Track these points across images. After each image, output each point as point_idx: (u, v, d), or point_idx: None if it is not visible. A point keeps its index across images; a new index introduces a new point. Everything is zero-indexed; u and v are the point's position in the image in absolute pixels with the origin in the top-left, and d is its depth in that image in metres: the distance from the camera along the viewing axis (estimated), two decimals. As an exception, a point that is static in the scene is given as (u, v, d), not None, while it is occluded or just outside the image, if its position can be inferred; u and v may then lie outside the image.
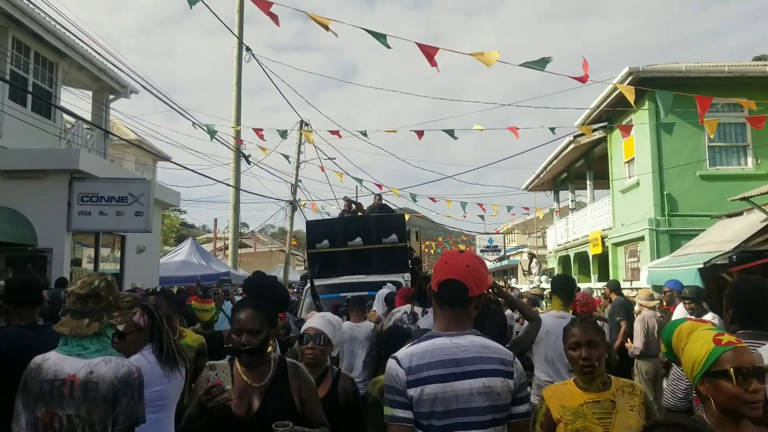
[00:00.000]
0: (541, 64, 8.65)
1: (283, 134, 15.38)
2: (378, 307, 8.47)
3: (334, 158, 28.78)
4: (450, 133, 13.63)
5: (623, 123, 17.54)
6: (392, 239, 12.26)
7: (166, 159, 26.43)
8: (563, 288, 5.32)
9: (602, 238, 19.10)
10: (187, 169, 21.55)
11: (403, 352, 2.34)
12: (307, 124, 29.43)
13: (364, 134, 15.16)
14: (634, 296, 10.78)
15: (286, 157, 18.35)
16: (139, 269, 14.35)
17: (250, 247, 36.23)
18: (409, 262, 13.75)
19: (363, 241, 12.28)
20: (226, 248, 38.35)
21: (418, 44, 8.40)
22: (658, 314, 8.42)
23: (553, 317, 5.02)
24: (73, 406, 2.60)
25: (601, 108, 17.71)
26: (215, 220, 30.02)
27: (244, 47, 21.01)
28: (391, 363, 2.33)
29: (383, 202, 14.30)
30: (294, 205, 28.67)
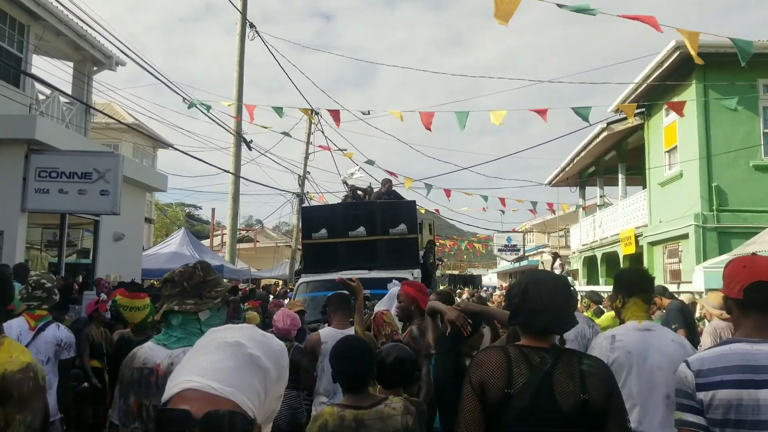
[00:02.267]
0: (590, 11, 7.14)
1: (279, 112, 13.71)
2: (391, 304, 6.82)
3: (345, 149, 26.94)
4: (464, 118, 11.92)
5: (665, 107, 15.69)
6: (401, 229, 10.55)
7: (168, 145, 24.89)
8: (643, 285, 3.43)
9: (636, 237, 17.24)
10: (188, 155, 20.00)
11: (695, 356, 2.35)
12: (317, 113, 27.86)
13: (366, 113, 13.48)
14: (693, 299, 9.03)
15: (287, 134, 16.59)
16: (115, 259, 12.74)
17: (257, 241, 34.67)
18: (431, 256, 12.01)
19: (367, 231, 10.60)
20: (243, 240, 37.01)
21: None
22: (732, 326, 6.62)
23: (634, 330, 3.23)
24: (158, 396, 2.39)
25: (639, 91, 15.88)
26: (213, 210, 28.53)
27: (248, 24, 19.49)
28: (681, 366, 2.33)
29: (393, 188, 12.54)
30: (302, 197, 27.05)
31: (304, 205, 24.25)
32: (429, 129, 11.62)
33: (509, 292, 2.44)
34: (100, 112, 13.68)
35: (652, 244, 16.30)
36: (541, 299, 2.23)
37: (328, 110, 13.14)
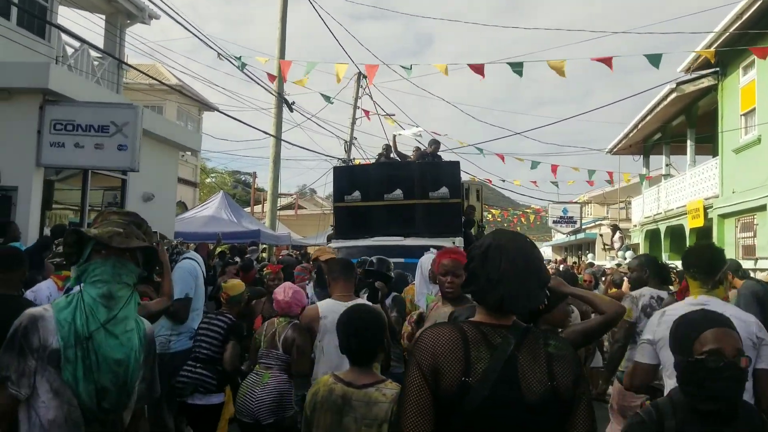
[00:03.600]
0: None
1: (311, 67, 12.78)
2: (420, 281, 5.94)
3: (393, 114, 25.84)
4: (519, 68, 10.77)
5: (742, 65, 14.11)
6: (442, 193, 9.61)
7: (213, 108, 24.35)
8: (691, 260, 3.47)
9: (705, 209, 15.76)
10: (233, 118, 19.33)
11: None
12: (365, 77, 26.85)
13: (409, 68, 12.42)
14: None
15: (328, 98, 15.67)
16: (149, 222, 12.12)
17: (304, 209, 34.10)
18: (472, 222, 11.02)
19: (404, 194, 9.71)
20: (291, 207, 36.48)
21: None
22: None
23: (686, 306, 3.17)
24: None
25: (715, 46, 14.31)
26: (254, 173, 27.94)
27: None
28: None
29: (439, 152, 11.47)
30: (348, 163, 26.21)
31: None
32: (482, 75, 10.52)
33: (469, 254, 2.07)
34: (132, 67, 13.01)
35: (724, 216, 14.84)
36: (498, 268, 1.91)
37: (367, 66, 12.11)
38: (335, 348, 3.92)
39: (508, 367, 1.81)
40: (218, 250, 15.40)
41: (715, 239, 15.37)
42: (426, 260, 6.36)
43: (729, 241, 14.58)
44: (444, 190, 9.58)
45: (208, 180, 34.12)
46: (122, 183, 11.74)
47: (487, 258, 1.94)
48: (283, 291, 4.55)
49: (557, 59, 10.22)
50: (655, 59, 9.59)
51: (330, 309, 3.96)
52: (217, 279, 9.47)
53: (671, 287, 5.31)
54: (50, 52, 11.57)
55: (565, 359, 1.86)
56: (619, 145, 22.10)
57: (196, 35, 13.04)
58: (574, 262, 28.66)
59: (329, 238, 10.32)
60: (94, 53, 13.18)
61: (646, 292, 4.97)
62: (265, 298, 6.38)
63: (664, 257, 19.54)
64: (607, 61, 10.22)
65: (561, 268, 18.24)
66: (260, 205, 27.36)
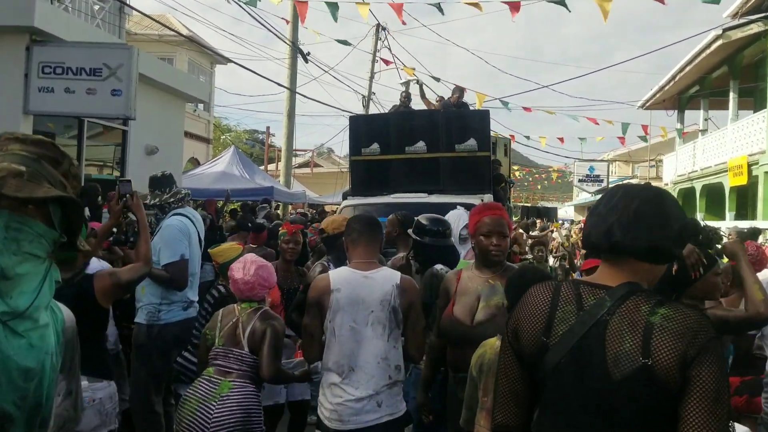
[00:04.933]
0: None
1: (334, 13, 11.73)
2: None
3: (413, 68, 24.70)
4: (561, 3, 9.72)
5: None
6: (470, 145, 8.67)
7: (225, 59, 23.36)
8: None
9: (749, 165, 14.67)
10: (248, 69, 18.32)
11: None
12: (384, 29, 25.65)
13: (441, 11, 11.34)
14: None
15: (346, 43, 14.63)
16: (148, 176, 11.34)
17: (321, 167, 33.27)
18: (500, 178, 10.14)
19: (428, 147, 8.78)
20: (308, 165, 35.56)
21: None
22: None
23: None
24: None
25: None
26: (267, 128, 26.94)
27: None
28: None
29: (463, 100, 10.50)
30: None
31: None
32: (513, 17, 9.53)
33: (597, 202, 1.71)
34: (135, 9, 12.08)
35: (771, 174, 13.79)
36: (599, 207, 1.65)
37: (390, 3, 11.04)
38: (350, 330, 3.08)
39: (594, 333, 1.53)
40: (229, 207, 14.67)
41: (759, 198, 14.35)
42: (454, 217, 5.45)
43: (776, 200, 13.55)
44: (472, 142, 8.64)
45: (223, 137, 33.35)
46: (123, 135, 10.93)
47: (599, 202, 1.67)
48: (243, 267, 3.48)
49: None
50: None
51: (345, 280, 3.11)
52: (227, 240, 8.72)
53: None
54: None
55: (672, 333, 1.46)
56: (653, 99, 20.88)
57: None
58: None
59: (345, 196, 9.45)
60: (93, -4, 12.26)
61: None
62: (277, 262, 5.43)
63: (699, 217, 18.52)
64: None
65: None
66: (275, 164, 26.55)
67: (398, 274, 3.21)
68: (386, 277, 3.14)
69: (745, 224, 13.20)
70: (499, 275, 3.15)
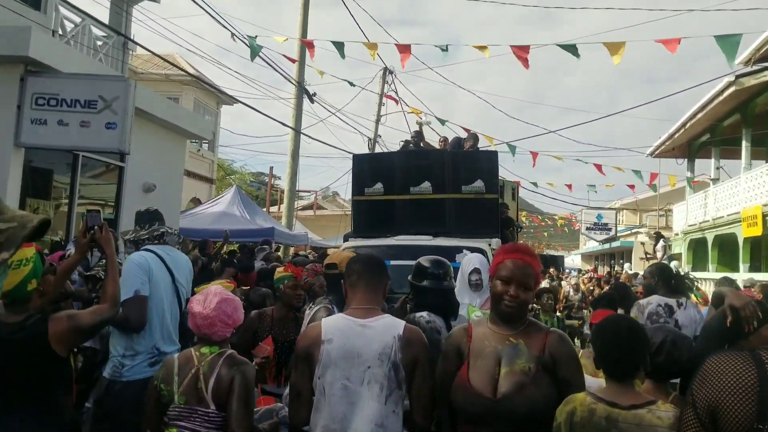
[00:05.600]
0: None
1: (340, 49, 11.56)
2: (460, 288, 4.71)
3: (421, 112, 24.60)
4: (571, 50, 9.49)
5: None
6: (477, 187, 8.30)
7: (231, 99, 23.26)
8: None
9: (764, 216, 14.23)
10: (252, 108, 18.21)
11: None
12: (391, 72, 25.68)
13: (444, 49, 11.12)
14: None
15: (351, 83, 14.45)
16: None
17: (324, 209, 32.94)
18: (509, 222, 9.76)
19: (433, 188, 8.41)
20: (311, 207, 35.19)
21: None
22: None
23: None
24: None
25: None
26: (270, 168, 26.73)
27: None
28: None
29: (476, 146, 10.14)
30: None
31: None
32: (527, 66, 9.31)
33: None
34: (139, 45, 11.90)
35: (788, 224, 13.34)
36: None
37: (397, 45, 10.83)
38: (342, 389, 2.59)
39: None
40: (227, 248, 14.25)
41: (775, 249, 13.88)
42: (467, 261, 5.02)
43: (794, 251, 13.07)
44: (479, 183, 8.27)
45: (228, 178, 33.19)
46: (119, 171, 10.61)
47: None
48: (204, 299, 2.96)
49: (614, 41, 8.88)
50: (728, 44, 8.15)
51: (338, 329, 2.67)
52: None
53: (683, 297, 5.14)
54: (46, 23, 10.49)
55: None
56: (662, 147, 20.60)
57: (208, 12, 11.95)
58: (608, 272, 27.12)
59: (347, 237, 9.06)
60: (97, 31, 12.12)
61: (654, 300, 4.96)
62: (273, 308, 4.68)
63: (711, 268, 18.03)
64: (671, 43, 8.86)
65: (610, 280, 16.89)
66: (278, 206, 26.24)
67: (402, 323, 2.75)
68: (387, 327, 2.69)
69: (759, 277, 12.72)
70: (522, 333, 2.61)
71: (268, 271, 8.23)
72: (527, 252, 2.70)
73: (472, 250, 7.30)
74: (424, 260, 4.04)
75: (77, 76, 8.15)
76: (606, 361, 2.46)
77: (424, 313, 3.60)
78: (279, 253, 15.57)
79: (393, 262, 7.36)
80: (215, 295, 2.99)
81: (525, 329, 2.62)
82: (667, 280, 5.20)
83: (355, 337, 2.65)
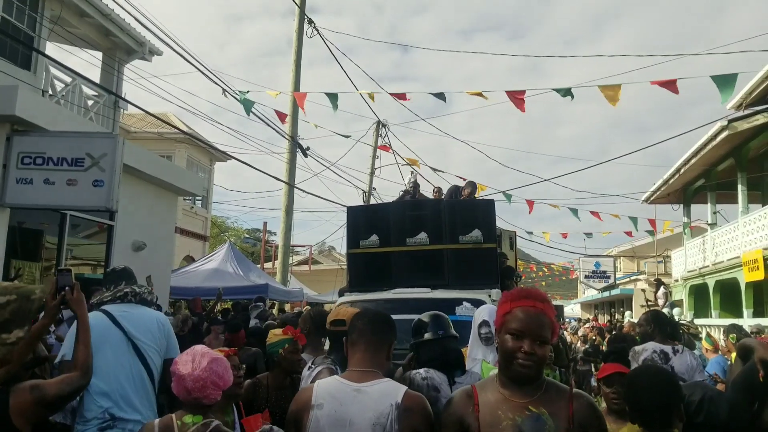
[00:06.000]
0: None
1: (334, 101, 11.54)
2: (472, 343, 4.43)
3: (416, 160, 24.59)
4: (566, 92, 9.47)
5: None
6: (475, 237, 8.11)
7: (224, 155, 23.24)
8: None
9: (765, 260, 14.02)
10: (244, 163, 18.10)
11: None
12: (384, 125, 25.84)
13: (440, 95, 11.09)
14: None
15: (344, 136, 14.41)
16: (137, 274, 10.72)
17: (320, 263, 32.64)
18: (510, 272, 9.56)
19: (430, 239, 8.22)
20: (306, 263, 34.87)
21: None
22: None
23: None
24: None
25: (766, 84, 12.96)
26: (264, 223, 26.52)
27: (306, 19, 17.65)
28: None
29: (474, 193, 10.03)
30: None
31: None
32: (522, 108, 9.26)
33: None
34: (131, 103, 11.81)
35: (790, 268, 13.12)
36: None
37: (391, 94, 10.80)
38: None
39: None
40: (221, 306, 13.92)
41: (779, 294, 13.62)
42: (477, 314, 4.77)
43: (799, 295, 12.81)
44: (477, 233, 8.08)
45: (223, 235, 32.95)
46: (108, 230, 10.38)
47: None
48: (192, 359, 2.72)
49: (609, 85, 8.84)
50: (725, 82, 8.12)
51: (329, 394, 2.41)
52: (204, 342, 7.99)
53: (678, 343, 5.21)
54: (35, 83, 10.45)
55: None
56: (658, 193, 20.52)
57: (199, 69, 11.93)
58: (609, 321, 26.73)
59: (342, 292, 8.79)
60: (89, 90, 12.09)
61: (649, 347, 5.00)
62: (268, 375, 4.19)
63: (714, 314, 17.71)
64: (669, 84, 8.82)
65: (612, 329, 16.57)
66: (272, 262, 25.92)
67: (402, 389, 2.45)
68: (384, 393, 2.41)
69: (766, 322, 12.42)
70: (542, 399, 2.18)
71: (261, 330, 7.94)
72: (539, 297, 2.27)
73: (472, 301, 7.06)
74: (423, 316, 3.91)
75: (64, 134, 8.01)
76: (644, 413, 2.35)
77: (421, 370, 3.38)
78: (274, 311, 15.24)
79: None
80: (203, 355, 2.76)
81: (544, 393, 2.19)
82: (662, 327, 5.24)
83: (347, 403, 2.40)
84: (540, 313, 2.20)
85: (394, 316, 7.04)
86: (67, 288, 2.89)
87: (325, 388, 2.46)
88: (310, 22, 17.71)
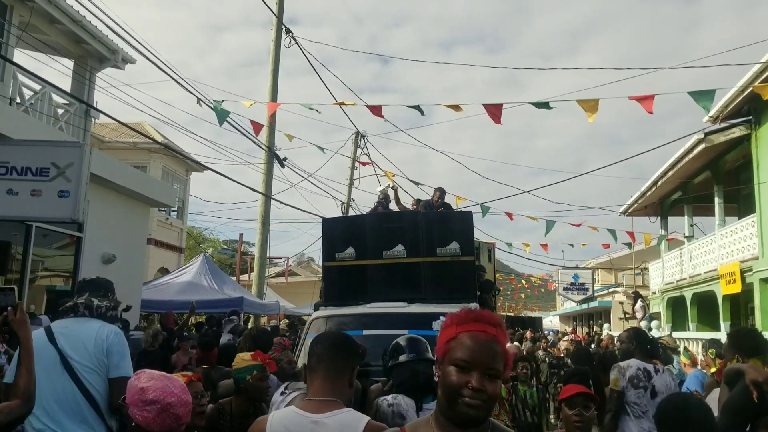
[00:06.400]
0: None
1: (308, 106, 11.37)
2: None
3: (394, 175, 24.54)
4: (544, 106, 9.39)
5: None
6: (452, 249, 7.93)
7: (200, 166, 22.92)
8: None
9: (742, 272, 14.07)
10: (220, 174, 17.81)
11: None
12: (363, 136, 25.69)
13: (420, 111, 10.95)
14: None
15: (321, 148, 14.23)
16: (105, 286, 10.42)
17: (299, 275, 32.30)
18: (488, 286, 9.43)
19: (407, 251, 8.02)
20: (286, 274, 34.47)
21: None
22: None
23: None
24: None
25: (741, 98, 13.04)
26: (240, 235, 26.14)
27: (284, 29, 17.50)
28: None
29: (445, 200, 9.91)
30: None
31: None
32: (499, 122, 9.12)
33: None
34: (102, 112, 11.47)
35: (767, 281, 13.14)
36: None
37: (368, 106, 10.62)
38: None
39: None
40: (195, 320, 13.61)
41: (756, 307, 13.64)
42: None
43: (774, 308, 12.84)
44: (454, 245, 7.90)
45: (201, 246, 32.52)
46: (77, 242, 10.08)
47: None
48: (149, 383, 2.50)
49: (586, 99, 8.76)
50: (705, 97, 8.07)
51: (285, 427, 2.20)
52: (171, 359, 7.75)
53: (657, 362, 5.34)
54: (3, 92, 10.15)
55: None
56: (635, 206, 20.60)
57: (173, 78, 11.67)
58: (587, 333, 26.73)
59: (317, 306, 8.58)
60: (59, 99, 11.80)
61: (633, 364, 5.09)
62: (232, 400, 3.87)
63: (692, 327, 17.74)
64: (645, 100, 8.76)
65: (591, 342, 16.50)
66: (248, 274, 25.57)
67: (365, 420, 2.26)
68: (344, 425, 2.21)
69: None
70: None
71: (234, 347, 7.69)
72: (491, 321, 1.80)
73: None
74: (401, 339, 3.82)
75: (28, 143, 7.74)
76: None
77: (389, 397, 3.22)
78: (249, 324, 14.94)
79: (366, 332, 6.95)
80: (159, 379, 2.55)
81: None
82: (643, 345, 5.32)
83: None
84: (492, 341, 1.75)
85: (369, 332, 6.84)
86: (9, 308, 2.68)
87: (280, 420, 2.26)
88: (288, 31, 17.54)
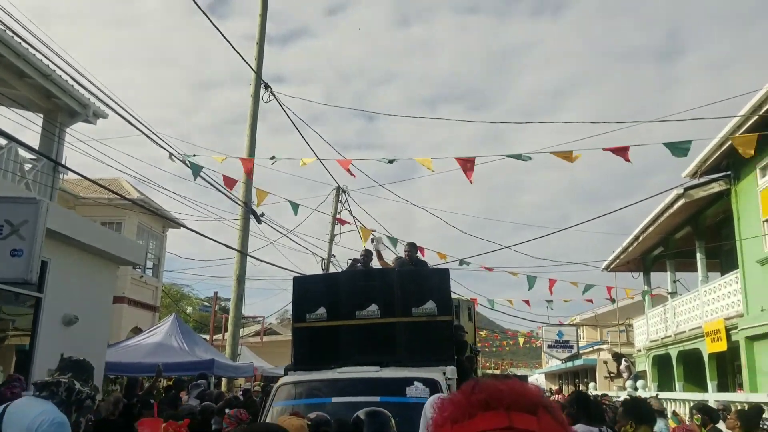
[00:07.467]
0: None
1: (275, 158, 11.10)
2: None
3: (374, 230, 24.26)
4: (518, 157, 9.26)
5: (759, 166, 12.67)
6: (428, 309, 7.61)
7: (177, 222, 22.50)
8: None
9: (727, 330, 13.77)
10: (202, 234, 17.43)
11: None
12: (344, 191, 25.49)
13: (390, 162, 10.77)
14: None
15: (294, 204, 13.93)
16: (66, 348, 9.81)
17: (279, 334, 31.50)
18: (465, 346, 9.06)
19: (381, 311, 7.69)
20: (261, 333, 33.54)
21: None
22: None
23: None
24: None
25: (719, 153, 13.03)
26: (215, 293, 25.57)
27: (263, 84, 17.44)
28: None
29: (417, 256, 9.60)
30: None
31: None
32: (470, 179, 8.97)
33: None
34: (70, 169, 11.19)
35: (753, 338, 12.84)
36: None
37: (338, 161, 10.42)
38: None
39: None
40: (165, 384, 13.00)
41: (743, 366, 13.28)
42: (428, 405, 4.19)
43: (764, 367, 12.49)
44: (430, 304, 7.57)
45: (180, 305, 31.77)
46: (36, 302, 9.59)
47: None
48: None
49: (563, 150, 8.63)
50: (681, 147, 7.98)
51: None
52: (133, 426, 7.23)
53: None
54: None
55: None
56: (617, 261, 20.40)
57: (143, 132, 11.42)
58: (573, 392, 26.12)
59: (287, 370, 8.12)
60: (25, 154, 11.47)
61: (580, 429, 4.92)
62: None
63: (678, 387, 17.30)
64: (621, 151, 8.64)
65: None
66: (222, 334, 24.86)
67: None
68: None
69: (732, 397, 12.05)
70: None
71: (205, 415, 7.23)
72: (517, 402, 1.03)
73: (425, 381, 6.51)
74: (361, 412, 3.54)
75: (-20, 199, 7.36)
76: None
77: None
78: (222, 389, 14.30)
79: (335, 399, 6.53)
80: None
81: None
82: (585, 409, 5.23)
83: None
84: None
85: (338, 399, 6.38)
86: None
87: None
88: (267, 87, 17.49)
